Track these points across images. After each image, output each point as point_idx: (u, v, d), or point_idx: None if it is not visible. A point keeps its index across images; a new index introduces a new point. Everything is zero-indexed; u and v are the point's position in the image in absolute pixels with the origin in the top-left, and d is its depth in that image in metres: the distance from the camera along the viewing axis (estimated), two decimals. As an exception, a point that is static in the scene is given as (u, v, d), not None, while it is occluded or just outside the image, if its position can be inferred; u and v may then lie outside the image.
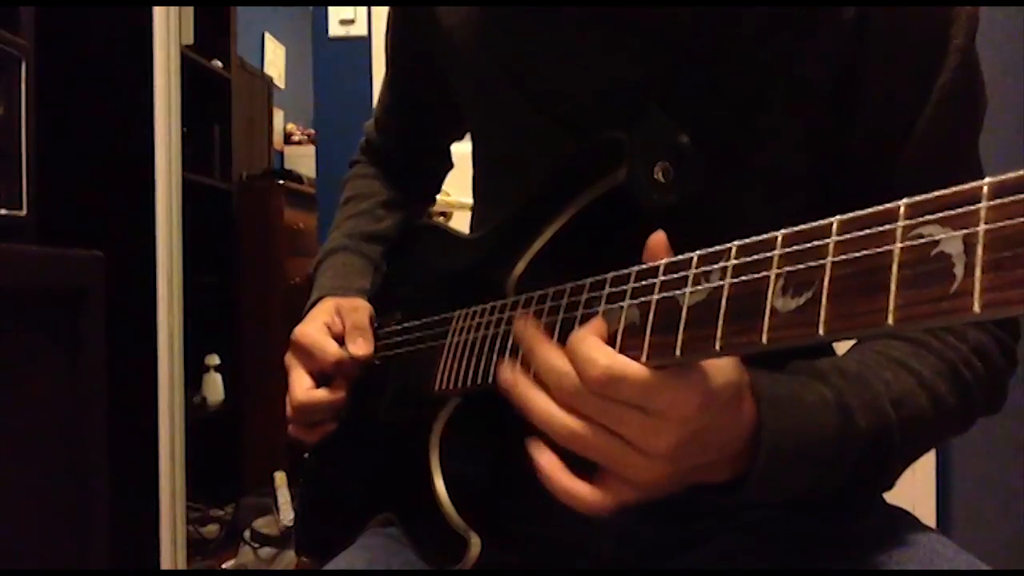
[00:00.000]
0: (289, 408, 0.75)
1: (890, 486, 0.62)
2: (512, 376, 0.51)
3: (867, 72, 0.59)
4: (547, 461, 0.49)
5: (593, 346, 0.46)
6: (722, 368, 0.46)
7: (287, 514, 2.64)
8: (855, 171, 0.63)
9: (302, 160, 4.20)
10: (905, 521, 0.62)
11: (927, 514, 1.74)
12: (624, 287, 0.48)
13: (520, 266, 0.61)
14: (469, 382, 0.61)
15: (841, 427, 0.52)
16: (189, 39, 3.03)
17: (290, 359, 0.76)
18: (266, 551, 2.59)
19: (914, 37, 0.59)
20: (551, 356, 0.49)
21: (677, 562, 0.66)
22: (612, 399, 0.45)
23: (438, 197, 1.82)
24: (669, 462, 0.46)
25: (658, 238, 0.48)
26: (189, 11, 3.08)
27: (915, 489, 1.75)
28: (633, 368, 0.45)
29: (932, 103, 0.59)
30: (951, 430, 0.62)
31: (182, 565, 2.23)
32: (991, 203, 0.30)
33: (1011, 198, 0.29)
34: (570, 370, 0.47)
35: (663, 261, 0.46)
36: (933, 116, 0.59)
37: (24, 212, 1.53)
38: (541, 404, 0.49)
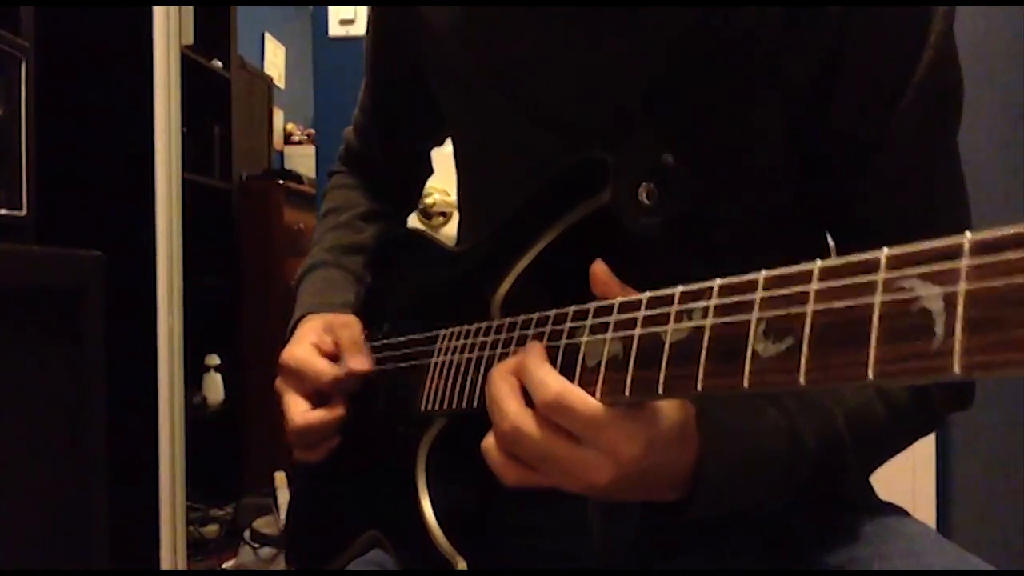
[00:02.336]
0: (289, 434, 0.74)
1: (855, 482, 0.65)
2: (494, 372, 0.53)
3: (844, 69, 0.59)
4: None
5: (547, 371, 0.49)
6: (668, 411, 0.48)
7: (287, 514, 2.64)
8: (833, 170, 0.63)
9: (302, 160, 4.20)
10: (898, 518, 0.63)
11: (927, 514, 1.74)
12: (607, 319, 0.49)
13: (505, 285, 0.61)
14: (455, 404, 0.61)
15: (789, 451, 0.54)
16: (189, 39, 3.03)
17: (281, 384, 0.74)
18: (266, 551, 2.59)
19: (892, 34, 0.59)
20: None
21: (668, 566, 0.66)
22: (557, 427, 0.48)
23: (438, 197, 1.83)
24: (601, 492, 0.49)
25: (598, 268, 0.50)
26: (189, 11, 3.08)
27: (915, 489, 1.75)
28: (586, 400, 0.47)
29: (908, 100, 0.59)
30: (914, 434, 0.63)
31: (182, 565, 2.23)
32: (972, 261, 0.30)
33: (991, 258, 0.29)
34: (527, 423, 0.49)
35: (646, 295, 0.47)
36: (908, 113, 0.59)
37: (24, 212, 1.53)
38: (504, 400, 0.51)
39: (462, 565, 0.60)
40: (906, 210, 0.61)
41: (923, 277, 0.31)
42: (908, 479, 1.74)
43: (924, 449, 1.75)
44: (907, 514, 0.64)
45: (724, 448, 0.51)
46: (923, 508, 1.73)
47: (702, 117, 0.61)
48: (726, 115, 0.61)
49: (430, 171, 0.98)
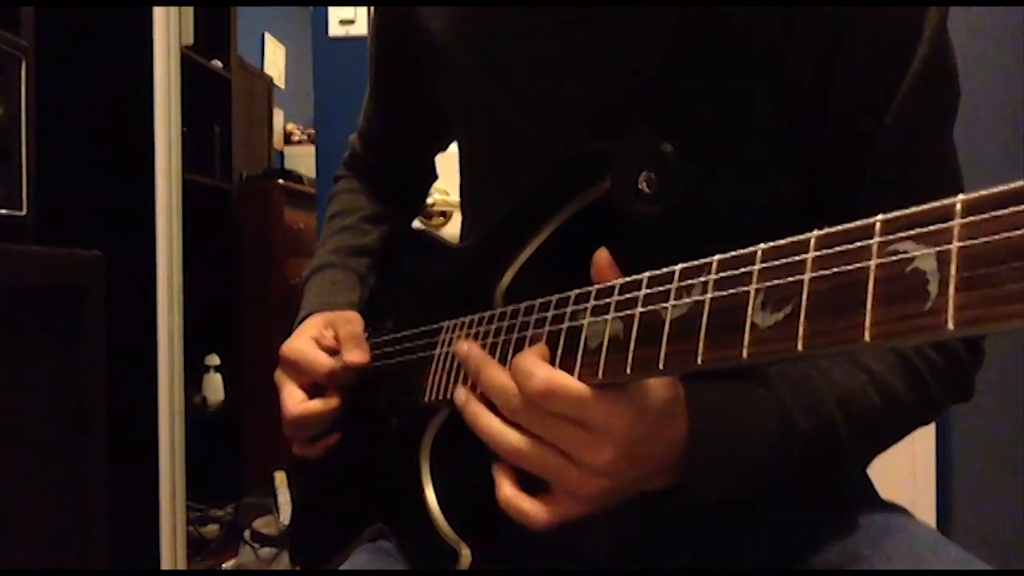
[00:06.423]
0: (284, 424, 0.74)
1: (860, 468, 0.66)
2: (464, 396, 0.56)
3: (840, 63, 0.60)
4: (503, 480, 0.55)
5: (533, 361, 0.50)
6: (655, 386, 0.49)
7: (287, 514, 2.64)
8: (830, 163, 0.63)
9: (302, 160, 4.21)
10: (900, 516, 0.63)
11: (927, 514, 1.74)
12: (608, 300, 0.49)
13: (508, 276, 0.62)
14: None
15: (779, 432, 0.54)
16: (189, 39, 3.03)
17: (280, 375, 0.75)
18: (266, 551, 2.59)
19: (886, 29, 0.59)
20: (495, 374, 0.53)
21: (670, 563, 0.66)
22: (551, 412, 0.49)
23: (438, 197, 1.83)
24: (607, 476, 0.49)
25: (601, 256, 0.51)
26: (189, 11, 3.08)
27: (915, 489, 1.75)
28: (570, 382, 0.48)
29: (903, 93, 0.59)
30: (912, 422, 0.63)
31: (182, 565, 2.23)
32: (964, 220, 0.30)
33: (984, 215, 0.30)
34: (512, 386, 0.51)
35: (646, 274, 0.47)
36: (903, 106, 0.60)
37: (24, 212, 1.53)
38: (486, 421, 0.53)
39: (465, 551, 0.61)
40: (902, 203, 0.61)
41: (916, 239, 0.32)
42: (908, 479, 1.74)
43: (924, 449, 1.75)
44: (908, 513, 0.64)
45: (713, 427, 0.52)
46: (923, 508, 1.73)
47: (700, 113, 0.62)
48: (724, 111, 0.62)
49: (434, 176, 0.98)
